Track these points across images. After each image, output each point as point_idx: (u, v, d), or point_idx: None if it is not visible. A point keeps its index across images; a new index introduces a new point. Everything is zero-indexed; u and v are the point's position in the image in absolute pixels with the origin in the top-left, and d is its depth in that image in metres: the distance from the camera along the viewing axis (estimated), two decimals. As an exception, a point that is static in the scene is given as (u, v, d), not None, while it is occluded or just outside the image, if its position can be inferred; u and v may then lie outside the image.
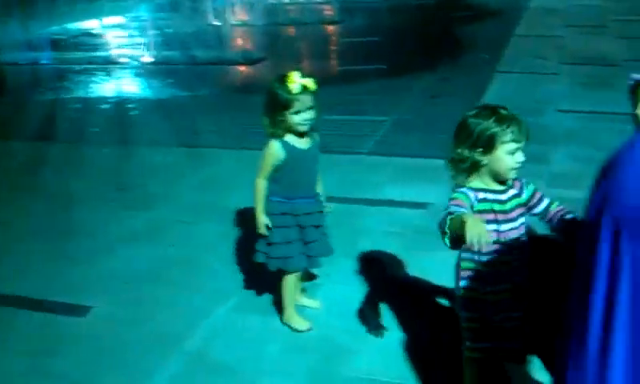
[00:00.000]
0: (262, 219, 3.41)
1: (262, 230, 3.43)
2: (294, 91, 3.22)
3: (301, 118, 3.27)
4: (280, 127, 3.31)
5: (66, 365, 3.43)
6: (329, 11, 15.64)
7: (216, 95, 9.21)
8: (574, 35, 11.12)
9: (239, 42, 13.52)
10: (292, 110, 3.25)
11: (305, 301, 3.79)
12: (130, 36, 14.13)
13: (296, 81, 3.23)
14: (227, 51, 12.52)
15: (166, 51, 12.17)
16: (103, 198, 5.50)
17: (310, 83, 3.26)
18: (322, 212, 3.52)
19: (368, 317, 3.57)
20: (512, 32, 11.51)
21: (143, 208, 5.27)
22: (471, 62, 9.94)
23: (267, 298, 3.85)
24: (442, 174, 2.77)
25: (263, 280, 3.85)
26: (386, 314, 3.62)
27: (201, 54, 11.54)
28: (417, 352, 3.31)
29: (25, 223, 5.16)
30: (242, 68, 11.09)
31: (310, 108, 3.28)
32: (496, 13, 13.88)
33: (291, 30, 14.12)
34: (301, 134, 3.36)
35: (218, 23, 14.62)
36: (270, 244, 3.47)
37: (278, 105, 3.27)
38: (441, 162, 2.74)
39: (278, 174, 3.40)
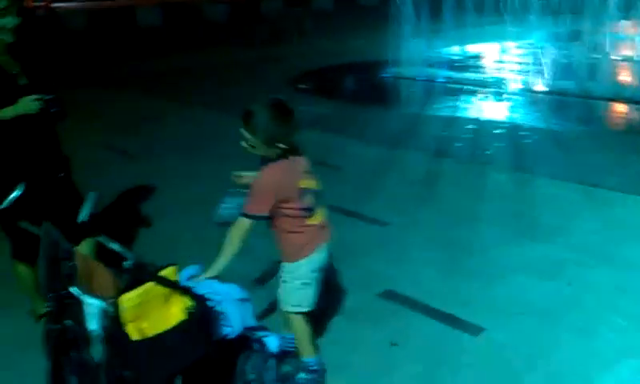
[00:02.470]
0: None
1: None
2: None
3: None
4: None
5: (455, 380, 3.47)
6: None
7: (613, 133, 8.61)
8: None
9: (640, 79, 12.52)
10: None
11: None
12: (524, 63, 14.05)
13: None
14: (626, 88, 11.66)
15: (559, 81, 11.78)
16: (497, 221, 5.50)
17: None
18: None
19: None
20: None
21: (537, 239, 5.12)
22: None
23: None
24: None
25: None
26: None
27: (597, 87, 10.94)
28: None
29: (419, 232, 5.39)
30: (643, 107, 10.22)
31: None
32: None
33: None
34: None
35: (620, 57, 13.71)
36: None
37: None
38: None
39: None
